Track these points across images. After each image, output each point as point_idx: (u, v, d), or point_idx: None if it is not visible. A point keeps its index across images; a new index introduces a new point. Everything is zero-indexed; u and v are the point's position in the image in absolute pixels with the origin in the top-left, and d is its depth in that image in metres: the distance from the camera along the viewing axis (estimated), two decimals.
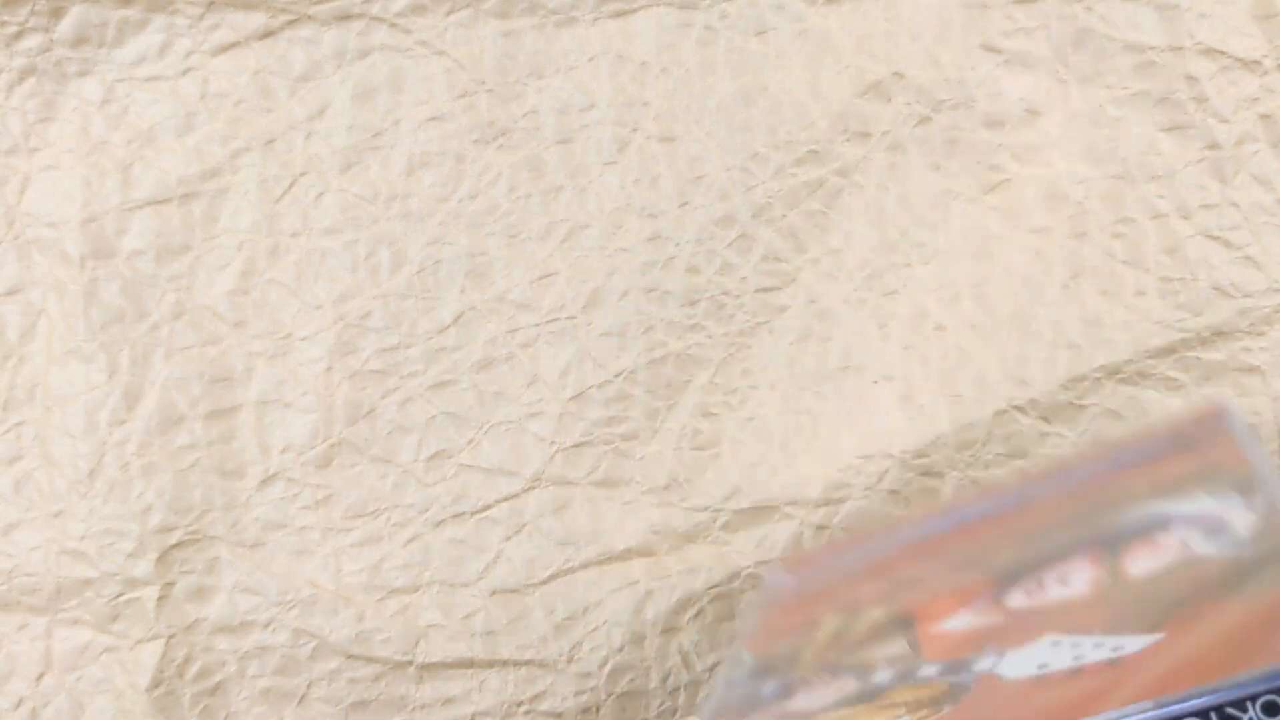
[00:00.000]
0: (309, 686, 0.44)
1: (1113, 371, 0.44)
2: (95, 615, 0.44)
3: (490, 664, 0.45)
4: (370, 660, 0.44)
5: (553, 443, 0.44)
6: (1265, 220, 0.44)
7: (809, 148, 0.45)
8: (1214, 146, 0.44)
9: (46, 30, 0.45)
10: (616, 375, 0.44)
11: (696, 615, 0.45)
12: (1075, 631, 0.31)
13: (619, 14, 0.45)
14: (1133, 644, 0.30)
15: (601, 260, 0.44)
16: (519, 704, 0.45)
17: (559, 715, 0.45)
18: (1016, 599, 0.33)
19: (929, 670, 0.32)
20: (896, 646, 0.33)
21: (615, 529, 0.45)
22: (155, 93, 0.45)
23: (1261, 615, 0.29)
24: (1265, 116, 0.44)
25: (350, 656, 0.44)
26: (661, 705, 0.45)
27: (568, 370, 0.44)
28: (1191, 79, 0.44)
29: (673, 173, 0.45)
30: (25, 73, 0.45)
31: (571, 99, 0.45)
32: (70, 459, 0.44)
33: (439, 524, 0.44)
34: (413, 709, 0.45)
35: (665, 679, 0.45)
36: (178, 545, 0.44)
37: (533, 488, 0.44)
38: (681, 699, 0.45)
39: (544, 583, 0.44)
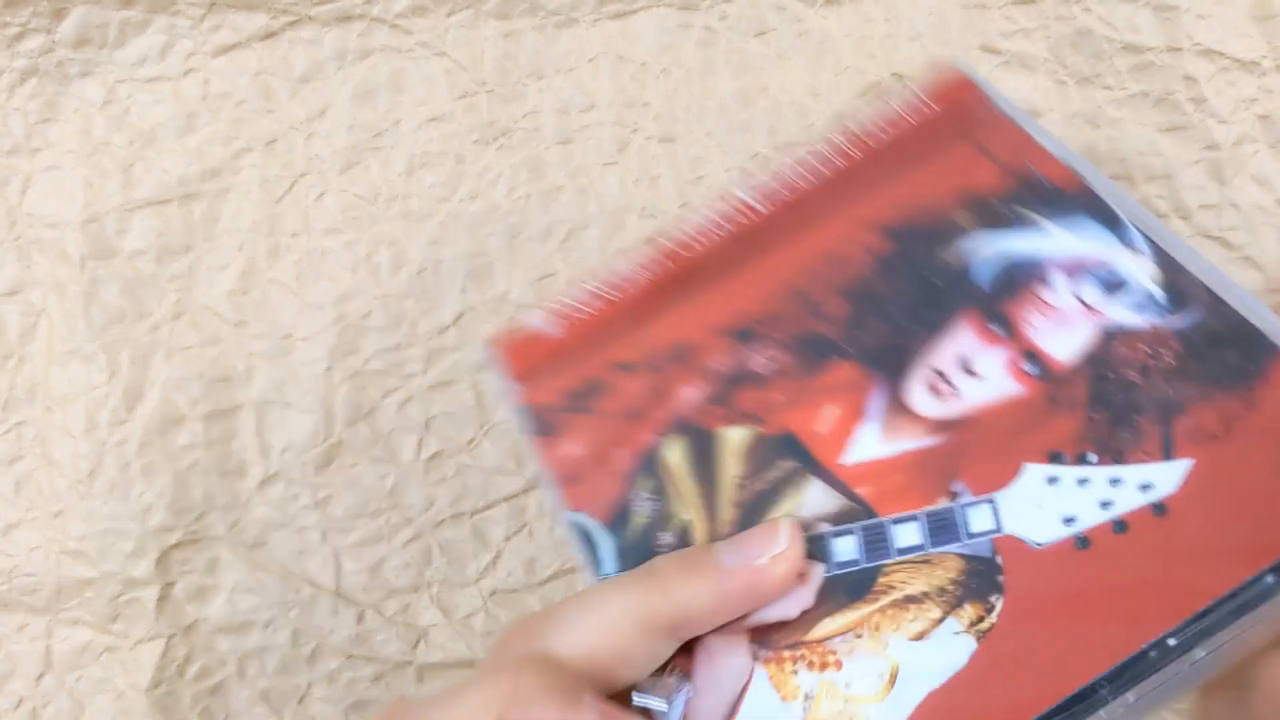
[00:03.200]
0: (309, 686, 0.44)
1: None
2: (95, 615, 0.44)
3: None
4: (370, 660, 0.44)
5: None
6: (1265, 220, 0.44)
7: (809, 148, 0.45)
8: (1213, 147, 0.44)
9: (48, 31, 0.45)
10: None
11: None
12: (1058, 453, 0.29)
13: (619, 14, 0.45)
14: (1163, 478, 0.28)
15: (601, 260, 0.44)
16: None
17: None
18: (925, 403, 0.31)
19: (908, 535, 0.29)
20: (813, 494, 0.30)
21: None
22: (157, 93, 0.45)
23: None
24: (1264, 117, 0.44)
25: (350, 656, 0.44)
26: None
27: None
28: (1190, 80, 0.44)
29: (673, 173, 0.45)
30: (27, 73, 0.45)
31: (571, 99, 0.45)
32: (70, 459, 0.44)
33: (439, 524, 0.44)
34: None
35: None
36: (178, 545, 0.44)
37: (533, 488, 0.44)
38: None
39: (544, 583, 0.44)
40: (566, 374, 0.34)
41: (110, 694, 0.44)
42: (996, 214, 0.33)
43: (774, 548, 0.28)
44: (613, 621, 0.27)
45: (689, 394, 0.33)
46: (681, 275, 0.35)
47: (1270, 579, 0.26)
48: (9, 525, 0.44)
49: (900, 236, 0.33)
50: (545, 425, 0.34)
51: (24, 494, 0.44)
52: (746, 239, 0.35)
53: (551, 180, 0.45)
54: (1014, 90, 0.44)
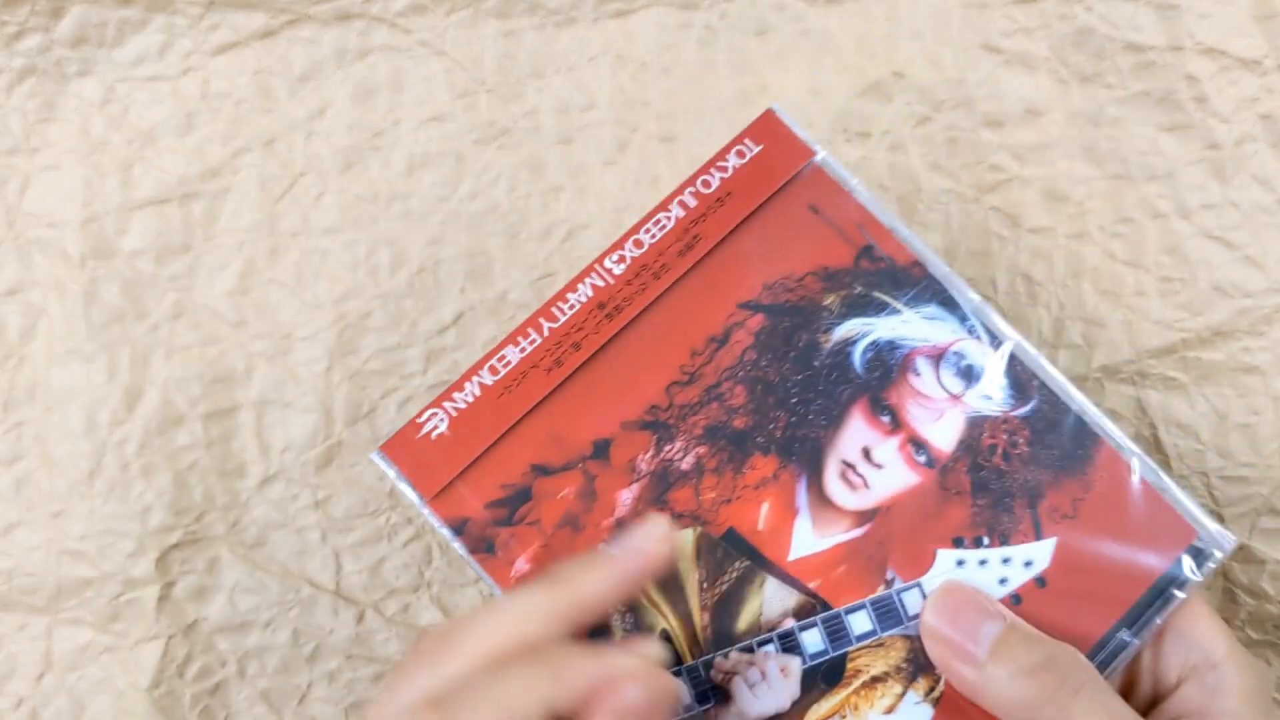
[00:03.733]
0: (309, 686, 0.44)
1: (1113, 371, 0.44)
2: (95, 615, 0.44)
3: None
4: (370, 660, 0.44)
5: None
6: (1265, 220, 0.44)
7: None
8: (1214, 146, 0.44)
9: (46, 30, 0.45)
10: None
11: None
12: (959, 538, 0.34)
13: (619, 14, 0.45)
14: (1039, 555, 0.34)
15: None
16: None
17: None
18: (843, 495, 0.34)
19: (860, 624, 0.34)
20: (771, 591, 0.34)
21: None
22: (156, 93, 0.45)
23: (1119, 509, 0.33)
24: (1265, 116, 0.44)
25: (350, 656, 0.44)
26: None
27: None
28: (1191, 79, 0.44)
29: (673, 173, 0.45)
30: (25, 73, 0.45)
31: (571, 99, 0.45)
32: (70, 459, 0.44)
33: None
34: None
35: None
36: (178, 545, 0.44)
37: None
38: None
39: None
40: (482, 480, 0.35)
41: (110, 694, 0.44)
42: (857, 297, 0.36)
43: (651, 535, 0.31)
44: (524, 617, 0.30)
45: (624, 497, 0.35)
46: (570, 363, 0.35)
47: (1124, 634, 0.33)
48: (9, 525, 0.44)
49: (774, 314, 0.36)
50: (480, 543, 0.34)
51: (24, 494, 0.44)
52: (626, 318, 0.36)
53: (551, 180, 0.45)
54: (1015, 89, 0.44)
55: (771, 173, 0.36)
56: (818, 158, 0.37)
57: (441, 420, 0.35)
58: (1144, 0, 0.44)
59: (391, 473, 0.34)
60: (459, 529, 0.34)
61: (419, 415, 0.35)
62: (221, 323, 0.45)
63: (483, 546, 0.34)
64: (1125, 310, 0.44)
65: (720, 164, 0.36)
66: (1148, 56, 0.44)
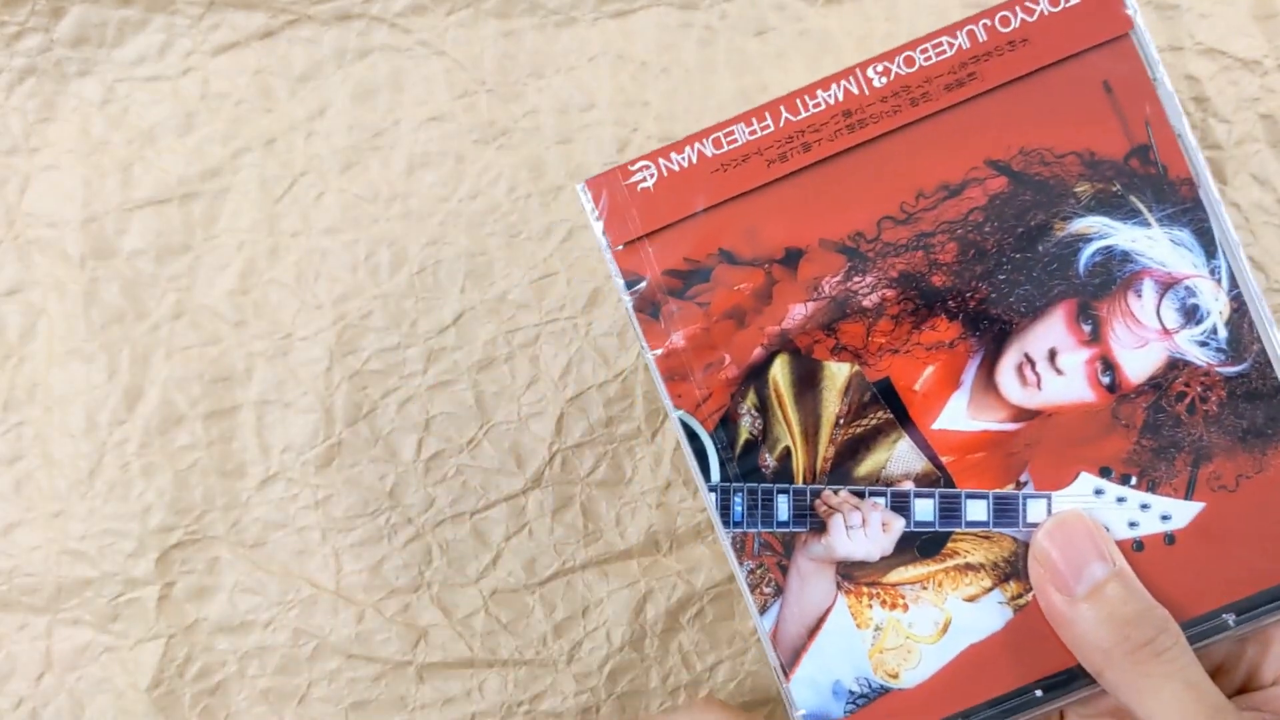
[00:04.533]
0: (309, 686, 0.44)
1: None
2: (95, 615, 0.44)
3: (490, 664, 0.45)
4: (370, 660, 0.44)
5: (553, 443, 0.44)
6: (1265, 220, 0.44)
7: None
8: (1215, 146, 0.44)
9: (47, 30, 0.45)
10: (616, 375, 0.44)
11: (696, 615, 0.45)
12: (1108, 468, 0.33)
13: (619, 14, 0.45)
14: (1180, 514, 0.33)
15: (601, 260, 0.44)
16: (519, 704, 0.45)
17: (559, 715, 0.45)
18: (1013, 388, 0.33)
19: (977, 511, 0.33)
20: (903, 450, 0.34)
21: (615, 529, 0.45)
22: (155, 93, 0.45)
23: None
24: (1265, 116, 0.44)
25: (350, 656, 0.44)
26: (661, 705, 0.45)
27: (568, 370, 0.44)
28: (1192, 79, 0.44)
29: None
30: (25, 73, 0.45)
31: (571, 99, 0.45)
32: (70, 459, 0.44)
33: (439, 524, 0.44)
34: (413, 709, 0.45)
35: (665, 679, 0.45)
36: (178, 545, 0.44)
37: (533, 488, 0.44)
38: (681, 699, 0.45)
39: (544, 583, 0.45)
40: (669, 247, 0.34)
41: (110, 694, 0.44)
42: (1112, 195, 0.33)
43: None
44: None
45: (796, 311, 0.34)
46: (793, 162, 0.34)
47: (1229, 617, 0.33)
48: (9, 525, 0.44)
49: (1019, 183, 0.34)
50: (649, 305, 0.34)
51: (24, 494, 0.44)
52: (866, 136, 0.34)
53: (551, 180, 0.45)
54: None
55: (1079, 31, 0.33)
56: (1135, 29, 0.34)
57: (651, 175, 0.34)
58: (1144, 0, 0.44)
59: (589, 209, 0.34)
60: (632, 284, 0.34)
61: (631, 163, 0.34)
62: (221, 323, 0.45)
63: (649, 309, 0.34)
64: None
65: (1029, 3, 0.33)
66: None
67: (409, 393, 0.44)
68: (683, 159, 0.34)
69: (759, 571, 0.34)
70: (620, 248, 0.34)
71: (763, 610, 0.34)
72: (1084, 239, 0.33)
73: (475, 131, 0.45)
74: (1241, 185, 0.44)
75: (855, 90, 0.34)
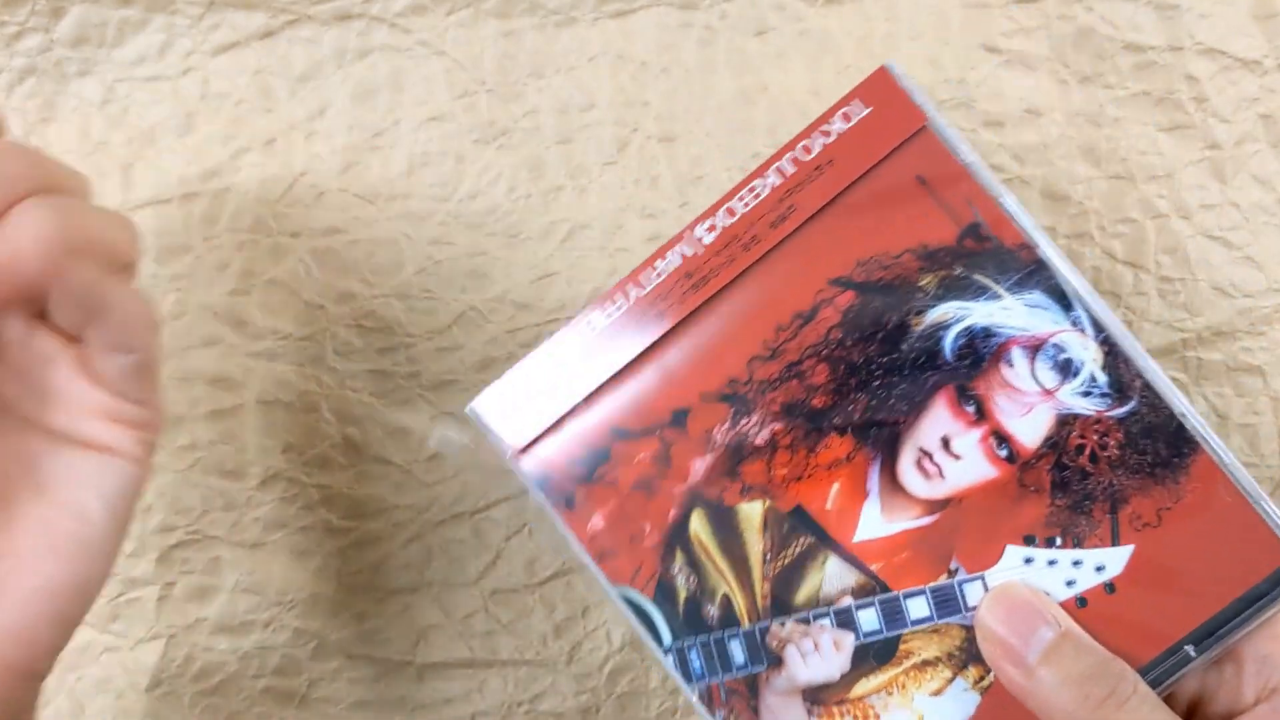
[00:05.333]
0: (309, 686, 0.44)
1: None
2: (95, 615, 0.44)
3: (490, 664, 0.45)
4: (370, 660, 0.44)
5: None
6: (1265, 220, 0.44)
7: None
8: (1214, 146, 0.44)
9: (47, 30, 0.45)
10: None
11: None
12: (1031, 536, 0.34)
13: (619, 14, 0.45)
14: (1112, 561, 0.33)
15: (601, 260, 0.44)
16: (519, 704, 0.45)
17: (559, 715, 0.45)
18: (916, 483, 0.34)
19: (919, 608, 0.34)
20: (833, 568, 0.34)
21: None
22: (155, 93, 0.45)
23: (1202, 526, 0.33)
24: (1265, 116, 0.44)
25: (350, 656, 0.44)
26: (661, 705, 0.45)
27: None
28: (1191, 79, 0.44)
29: (673, 173, 0.45)
30: (25, 73, 0.45)
31: (571, 99, 0.45)
32: None
33: (439, 524, 0.44)
34: (413, 709, 0.45)
35: (665, 679, 0.45)
36: (178, 545, 0.44)
37: None
38: (681, 699, 0.45)
39: (544, 583, 0.45)
40: (566, 441, 0.36)
41: (110, 694, 0.44)
42: (956, 279, 0.34)
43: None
44: None
45: (698, 465, 0.35)
46: (654, 331, 0.35)
47: (1189, 649, 0.33)
48: None
49: (865, 292, 0.35)
50: (561, 497, 0.35)
51: None
52: (711, 290, 0.35)
53: (551, 180, 0.45)
54: (1015, 89, 0.44)
55: (878, 139, 0.34)
56: (930, 122, 0.35)
57: (528, 378, 0.36)
58: (1144, 0, 0.44)
59: (487, 427, 0.35)
60: (543, 483, 0.35)
61: (506, 376, 0.36)
62: (222, 323, 0.45)
63: (562, 501, 0.35)
64: (1125, 310, 0.44)
65: (824, 128, 0.35)
66: (1148, 56, 0.44)
67: (409, 393, 0.44)
68: (552, 354, 0.36)
69: (732, 718, 0.34)
70: (521, 451, 0.36)
71: None
72: (943, 326, 0.34)
73: (475, 131, 0.45)
74: (1241, 185, 0.44)
75: (690, 252, 0.35)
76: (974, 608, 0.34)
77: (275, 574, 0.44)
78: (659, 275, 0.35)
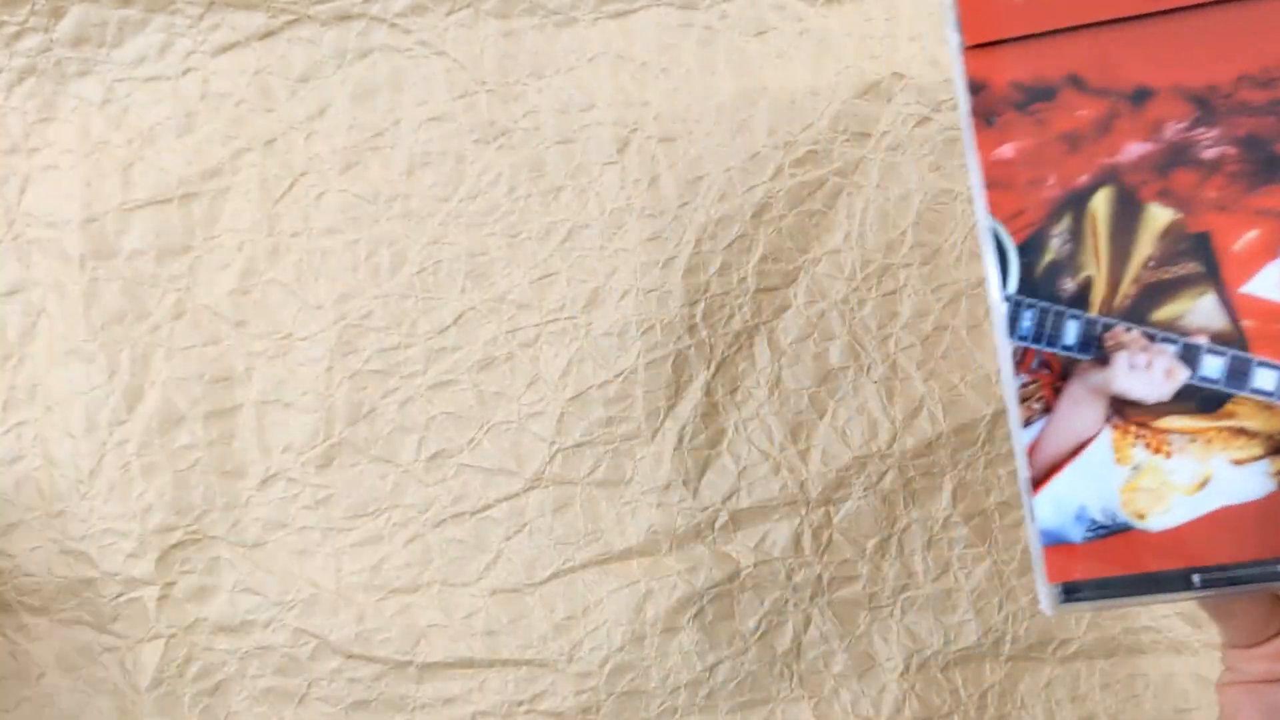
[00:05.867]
0: (309, 686, 0.44)
1: None
2: (95, 615, 0.44)
3: (490, 664, 0.45)
4: (370, 660, 0.44)
5: (553, 443, 0.44)
6: None
7: (809, 148, 0.45)
8: None
9: (46, 30, 0.45)
10: (616, 375, 0.44)
11: (696, 615, 0.45)
12: None
13: (619, 14, 0.45)
14: None
15: (601, 260, 0.44)
16: (519, 704, 0.45)
17: (559, 715, 0.45)
18: None
19: (1265, 380, 0.33)
20: (1205, 305, 0.33)
21: (615, 529, 0.45)
22: (155, 93, 0.45)
23: None
24: None
25: (350, 656, 0.44)
26: (661, 705, 0.45)
27: (568, 370, 0.44)
28: None
29: (673, 173, 0.45)
30: (25, 73, 0.45)
31: (571, 99, 0.45)
32: (70, 459, 0.44)
33: (439, 524, 0.44)
34: (413, 709, 0.45)
35: (665, 679, 0.45)
36: (178, 545, 0.44)
37: (533, 488, 0.44)
38: (681, 699, 0.45)
39: (544, 583, 0.45)
40: (1020, 60, 0.34)
41: (110, 694, 0.44)
42: None
43: None
44: None
45: (1133, 148, 0.34)
46: (1167, 2, 0.34)
47: None
48: (9, 525, 0.44)
49: None
50: (987, 112, 0.34)
51: (24, 494, 0.44)
52: None
53: (551, 180, 0.45)
54: None
55: None
56: None
57: None
58: None
59: (949, 3, 0.34)
60: (975, 89, 0.34)
61: None
62: (222, 323, 0.45)
63: (985, 115, 0.34)
64: None
65: None
66: None
67: (409, 393, 0.44)
68: None
69: (1032, 387, 0.34)
70: (972, 48, 0.34)
71: (1026, 424, 0.34)
72: None
73: (475, 131, 0.45)
74: None
75: None
76: None
77: (275, 574, 0.44)
78: None
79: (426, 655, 0.45)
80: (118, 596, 0.44)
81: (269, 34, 0.45)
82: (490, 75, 0.45)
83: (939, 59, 0.45)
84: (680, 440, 0.44)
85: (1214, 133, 0.34)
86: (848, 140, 0.45)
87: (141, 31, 0.45)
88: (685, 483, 0.44)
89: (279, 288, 0.45)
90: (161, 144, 0.45)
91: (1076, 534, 0.34)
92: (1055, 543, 0.34)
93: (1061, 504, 0.34)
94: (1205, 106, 0.34)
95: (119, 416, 0.44)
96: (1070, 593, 0.33)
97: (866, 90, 0.45)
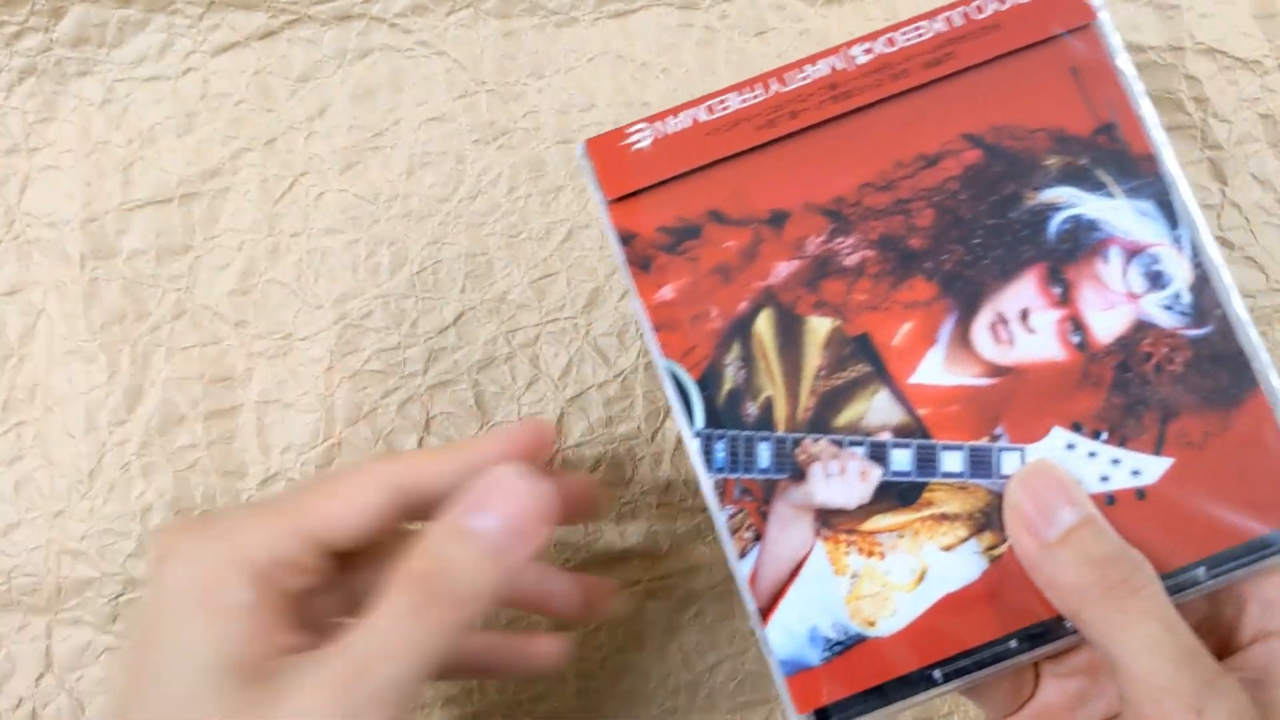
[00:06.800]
0: None
1: None
2: (95, 615, 0.44)
3: None
4: None
5: (553, 442, 0.44)
6: (1265, 220, 0.44)
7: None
8: (1215, 146, 0.44)
9: (46, 30, 0.45)
10: (616, 375, 0.44)
11: (696, 615, 0.45)
12: (1079, 424, 0.34)
13: (619, 14, 0.45)
14: (1150, 469, 0.34)
15: (601, 260, 0.44)
16: (519, 704, 0.45)
17: (559, 715, 0.45)
18: (986, 345, 0.35)
19: (952, 462, 0.34)
20: (881, 401, 0.35)
21: (615, 529, 0.45)
22: (155, 93, 0.45)
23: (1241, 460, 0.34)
24: (1265, 116, 0.44)
25: None
26: (662, 705, 0.45)
27: (568, 370, 0.44)
28: (1192, 79, 0.44)
29: None
30: (25, 72, 0.45)
31: (571, 98, 0.45)
32: (70, 459, 0.44)
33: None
34: (413, 709, 0.45)
35: (665, 679, 0.45)
36: None
37: None
38: (681, 699, 0.45)
39: None
40: (661, 206, 0.36)
41: (110, 694, 0.44)
42: (1078, 169, 0.35)
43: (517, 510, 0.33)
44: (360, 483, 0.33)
45: (781, 268, 0.35)
46: (781, 129, 0.36)
47: (1201, 571, 0.34)
48: (9, 525, 0.44)
49: (993, 155, 0.35)
50: (641, 259, 0.36)
51: (24, 494, 0.44)
52: (849, 106, 0.36)
53: (551, 180, 0.45)
54: None
55: (1047, 19, 0.35)
56: (1099, 20, 0.36)
57: (647, 137, 0.36)
58: (1144, 0, 0.44)
59: (586, 166, 0.36)
60: (626, 239, 0.36)
61: (628, 126, 0.36)
62: (222, 323, 0.45)
63: (640, 262, 0.35)
64: None
65: None
66: (1148, 56, 0.44)
67: (409, 393, 0.44)
68: (677, 123, 0.36)
69: (739, 516, 0.34)
70: (615, 202, 0.36)
71: (741, 555, 0.34)
72: (1054, 208, 0.35)
73: (475, 131, 0.45)
74: (1241, 185, 0.44)
75: (841, 65, 0.36)
76: (1006, 476, 0.34)
77: None
78: (804, 78, 0.36)
79: None
80: (118, 596, 0.44)
81: (269, 34, 0.45)
82: (490, 75, 0.45)
83: None
84: (680, 440, 0.44)
85: (851, 240, 0.35)
86: None
87: (141, 31, 0.45)
88: (686, 482, 0.44)
89: (279, 288, 0.45)
90: (161, 144, 0.45)
91: (815, 656, 0.34)
92: (796, 670, 0.34)
93: (793, 629, 0.34)
94: (838, 218, 0.35)
95: (119, 416, 0.44)
96: (824, 718, 0.34)
97: None
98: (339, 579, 0.35)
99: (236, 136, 0.45)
